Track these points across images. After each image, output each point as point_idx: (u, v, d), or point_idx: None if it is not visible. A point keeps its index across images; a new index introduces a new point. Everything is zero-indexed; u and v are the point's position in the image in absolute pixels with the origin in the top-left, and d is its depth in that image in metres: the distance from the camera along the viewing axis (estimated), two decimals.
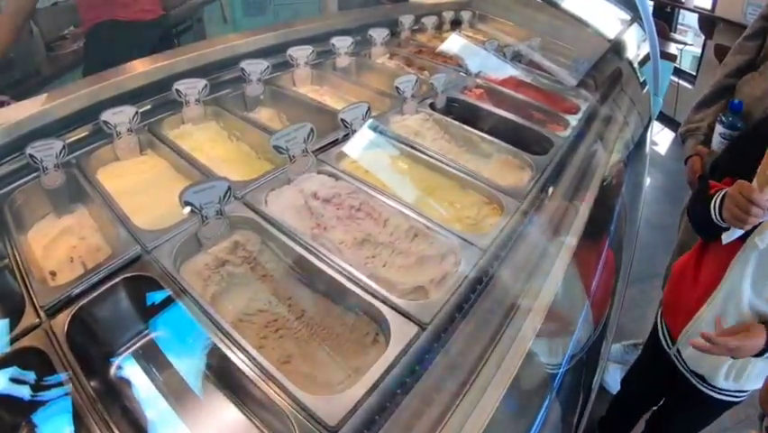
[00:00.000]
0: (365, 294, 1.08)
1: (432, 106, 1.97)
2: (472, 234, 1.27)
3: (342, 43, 2.28)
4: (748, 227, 1.31)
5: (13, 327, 0.98)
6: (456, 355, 1.00)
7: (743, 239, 1.38)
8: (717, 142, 1.88)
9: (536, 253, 1.30)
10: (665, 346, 1.72)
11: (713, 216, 1.39)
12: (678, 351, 1.65)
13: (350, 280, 1.11)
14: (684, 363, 1.65)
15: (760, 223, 1.31)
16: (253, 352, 0.94)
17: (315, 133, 1.43)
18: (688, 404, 1.75)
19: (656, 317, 1.82)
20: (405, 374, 0.94)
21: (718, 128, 1.85)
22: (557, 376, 1.13)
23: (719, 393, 1.61)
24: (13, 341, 0.95)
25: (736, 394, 1.61)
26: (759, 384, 1.53)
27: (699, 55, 5.47)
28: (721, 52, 4.47)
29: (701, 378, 1.61)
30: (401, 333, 0.99)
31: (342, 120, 1.56)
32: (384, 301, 1.06)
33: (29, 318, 0.99)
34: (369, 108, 1.61)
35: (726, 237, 1.38)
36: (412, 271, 1.20)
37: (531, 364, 1.05)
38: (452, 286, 1.11)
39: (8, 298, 1.13)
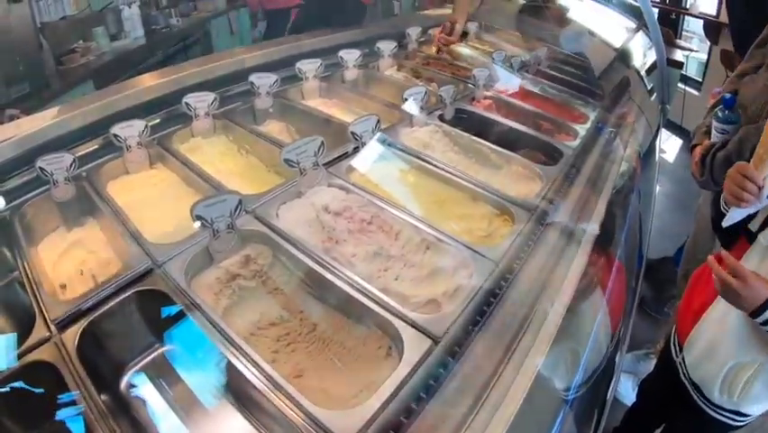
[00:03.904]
0: (378, 308, 1.07)
1: (441, 118, 1.97)
2: (484, 247, 1.27)
3: (351, 56, 2.30)
4: (745, 205, 1.33)
5: (23, 340, 0.98)
6: (470, 369, 0.99)
7: (750, 241, 1.40)
8: (714, 135, 1.91)
9: (549, 264, 1.29)
10: (674, 355, 1.70)
11: (721, 206, 1.42)
12: (683, 359, 1.63)
13: (362, 293, 1.11)
14: (687, 371, 1.62)
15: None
16: (265, 365, 0.94)
17: (326, 147, 1.44)
18: (688, 422, 1.71)
19: (671, 332, 1.79)
20: (419, 389, 0.93)
21: (714, 123, 1.89)
22: (572, 389, 1.11)
23: (716, 411, 1.56)
24: (23, 354, 0.95)
25: (734, 417, 1.55)
26: (755, 409, 1.50)
27: (704, 61, 5.46)
28: (727, 58, 4.46)
29: (698, 389, 1.58)
30: (414, 347, 0.98)
31: (353, 133, 1.56)
32: (397, 315, 1.05)
33: (39, 332, 0.99)
34: (378, 121, 1.61)
35: (726, 221, 1.39)
36: (424, 284, 1.19)
37: (546, 378, 1.04)
38: (464, 299, 1.11)
39: (18, 310, 1.13)
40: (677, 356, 1.67)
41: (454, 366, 0.98)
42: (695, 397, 1.60)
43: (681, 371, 1.65)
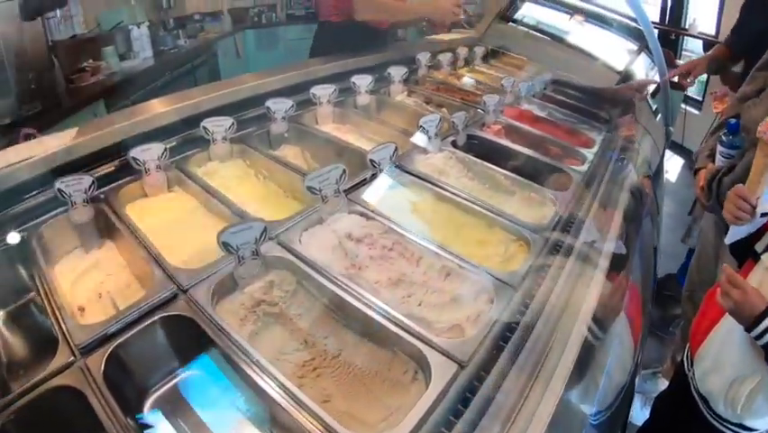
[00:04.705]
0: (403, 333, 1.08)
1: (454, 144, 1.99)
2: (502, 272, 1.29)
3: (363, 81, 2.32)
4: (740, 223, 1.48)
5: (45, 364, 0.98)
6: (496, 394, 1.00)
7: (756, 260, 1.46)
8: (718, 159, 1.95)
9: (568, 288, 1.31)
10: (686, 369, 1.73)
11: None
12: (694, 373, 1.66)
13: (387, 319, 1.12)
14: (696, 384, 1.65)
15: None
16: (295, 390, 0.95)
17: (347, 175, 1.46)
18: None
19: (678, 351, 1.81)
20: (447, 413, 0.94)
21: (719, 147, 1.93)
22: (599, 413, 1.12)
23: (722, 424, 1.59)
24: (46, 379, 0.95)
25: (740, 431, 1.57)
26: (759, 424, 1.53)
27: (704, 80, 5.50)
28: (727, 78, 4.52)
29: (706, 402, 1.61)
30: (441, 371, 1.00)
31: (371, 160, 1.58)
32: (422, 340, 1.06)
33: (63, 356, 0.99)
34: (396, 148, 1.63)
35: (728, 238, 1.56)
36: (447, 309, 1.21)
37: (571, 402, 1.05)
38: (487, 324, 1.13)
39: (36, 332, 1.15)
40: (689, 370, 1.71)
41: (481, 391, 0.99)
42: (703, 410, 1.63)
43: (692, 384, 1.68)
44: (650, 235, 1.95)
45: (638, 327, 1.55)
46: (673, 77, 2.95)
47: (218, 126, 1.77)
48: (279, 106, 1.95)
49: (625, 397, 1.28)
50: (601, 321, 1.25)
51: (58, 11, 3.65)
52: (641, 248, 1.75)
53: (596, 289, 1.33)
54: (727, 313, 1.43)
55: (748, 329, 1.34)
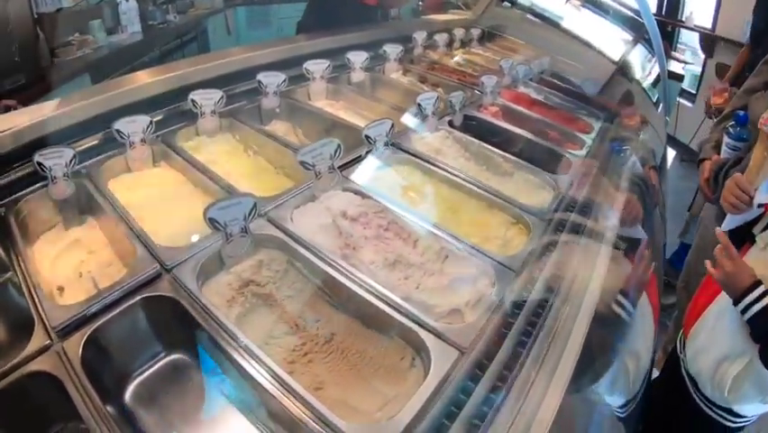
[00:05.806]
0: (401, 317, 1.04)
1: (450, 124, 1.95)
2: (503, 255, 1.25)
3: (358, 58, 2.27)
4: (737, 212, 1.55)
5: (20, 347, 0.92)
6: (499, 382, 0.96)
7: (753, 242, 1.50)
8: (724, 151, 1.94)
9: (570, 272, 1.28)
10: (678, 351, 1.73)
11: None
12: (686, 354, 1.66)
13: (384, 302, 1.07)
14: (686, 365, 1.65)
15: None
16: (285, 375, 0.90)
17: (342, 150, 1.40)
18: (689, 423, 1.73)
19: (669, 341, 1.80)
20: (449, 402, 0.90)
21: (726, 139, 1.94)
22: (626, 402, 1.09)
23: (710, 408, 1.58)
24: (21, 364, 0.89)
25: (727, 416, 1.57)
26: (747, 410, 1.53)
27: (699, 74, 5.52)
28: (723, 71, 4.52)
29: (695, 384, 1.61)
30: (442, 358, 0.96)
31: (367, 136, 1.53)
32: (421, 325, 1.02)
33: (39, 339, 0.94)
34: (393, 125, 1.58)
35: (724, 225, 1.61)
36: (446, 293, 1.16)
37: (580, 386, 1.01)
38: (488, 308, 1.08)
39: (14, 315, 1.08)
40: (681, 352, 1.71)
41: (484, 379, 0.95)
42: (692, 392, 1.63)
43: (682, 366, 1.68)
44: (659, 223, 1.93)
45: (656, 310, 1.54)
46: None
47: (207, 99, 1.70)
48: (271, 80, 1.88)
49: (648, 385, 1.25)
50: (628, 302, 1.23)
51: None
52: (651, 235, 1.72)
53: (601, 272, 1.30)
54: (719, 285, 1.45)
55: (735, 303, 1.36)
